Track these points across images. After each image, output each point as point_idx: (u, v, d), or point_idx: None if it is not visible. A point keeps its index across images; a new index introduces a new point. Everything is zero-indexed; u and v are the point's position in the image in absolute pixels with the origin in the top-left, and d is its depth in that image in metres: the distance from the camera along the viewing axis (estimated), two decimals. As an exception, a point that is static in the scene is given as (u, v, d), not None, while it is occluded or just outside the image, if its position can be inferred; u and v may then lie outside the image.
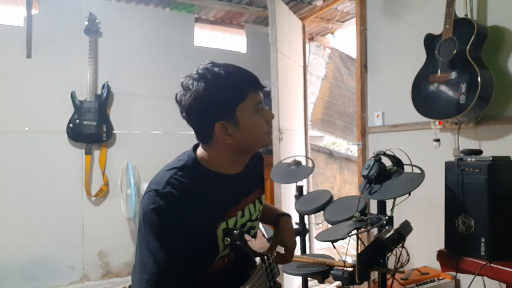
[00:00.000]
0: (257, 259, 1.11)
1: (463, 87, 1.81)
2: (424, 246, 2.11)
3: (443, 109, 1.91)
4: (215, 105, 0.96)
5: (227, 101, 0.96)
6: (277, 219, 1.22)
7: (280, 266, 1.32)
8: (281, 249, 1.19)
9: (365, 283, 2.17)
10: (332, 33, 4.16)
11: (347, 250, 1.83)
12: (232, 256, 1.03)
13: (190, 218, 0.92)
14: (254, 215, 1.12)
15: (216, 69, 0.98)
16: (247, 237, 1.07)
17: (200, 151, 1.04)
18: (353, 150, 5.90)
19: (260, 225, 1.32)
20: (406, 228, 1.25)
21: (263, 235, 1.27)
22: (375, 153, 1.47)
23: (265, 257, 1.14)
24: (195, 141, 1.06)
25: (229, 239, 0.97)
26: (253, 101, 0.98)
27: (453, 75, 1.87)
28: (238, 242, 0.99)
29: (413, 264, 2.10)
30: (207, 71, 0.98)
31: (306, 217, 1.97)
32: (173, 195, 0.91)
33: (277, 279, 1.22)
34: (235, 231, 0.99)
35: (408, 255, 1.31)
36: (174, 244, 0.90)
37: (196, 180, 0.97)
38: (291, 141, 3.12)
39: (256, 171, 1.18)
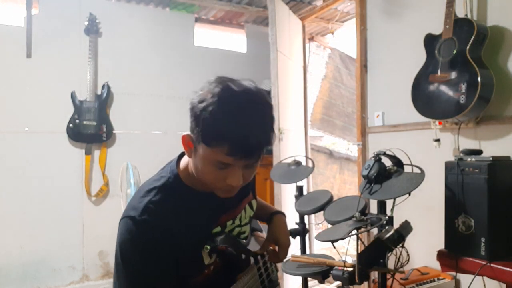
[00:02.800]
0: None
1: (463, 87, 1.81)
2: (424, 246, 2.11)
3: (443, 109, 1.91)
4: (195, 118, 0.84)
5: (202, 130, 0.81)
6: (270, 217, 1.20)
7: (279, 264, 1.32)
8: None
9: (365, 283, 2.17)
10: (332, 33, 4.16)
11: (347, 250, 1.83)
12: (218, 262, 0.99)
13: (170, 244, 0.87)
14: (243, 221, 1.08)
15: (233, 99, 0.82)
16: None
17: (183, 162, 0.97)
18: (353, 150, 5.90)
19: (261, 225, 1.31)
20: (406, 228, 1.24)
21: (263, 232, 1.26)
22: (375, 153, 1.46)
23: (258, 257, 1.13)
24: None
25: (208, 247, 0.93)
26: (216, 157, 0.82)
27: (453, 75, 1.87)
28: (220, 248, 0.96)
29: (413, 264, 2.10)
30: (224, 89, 0.82)
31: (306, 217, 1.97)
32: (150, 224, 0.86)
33: (277, 277, 1.21)
34: (217, 238, 0.96)
35: (408, 255, 1.31)
36: (153, 272, 0.86)
37: (176, 202, 0.92)
38: (291, 141, 3.12)
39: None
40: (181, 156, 1.01)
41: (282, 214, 1.23)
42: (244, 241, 1.10)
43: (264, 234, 1.26)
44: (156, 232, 0.86)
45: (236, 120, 0.80)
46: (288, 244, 1.16)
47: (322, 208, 1.78)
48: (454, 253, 1.50)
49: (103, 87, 3.15)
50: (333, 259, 1.56)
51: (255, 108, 0.84)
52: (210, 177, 0.87)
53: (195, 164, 0.89)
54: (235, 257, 1.03)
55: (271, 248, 1.16)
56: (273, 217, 1.20)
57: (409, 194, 1.32)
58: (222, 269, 1.00)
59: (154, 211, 0.88)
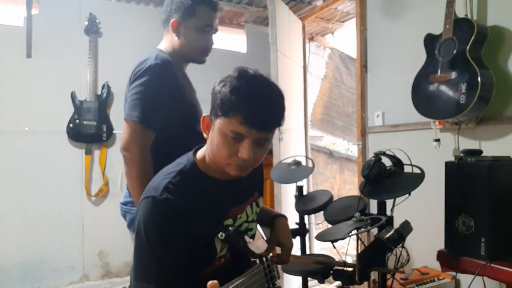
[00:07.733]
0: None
1: (463, 87, 1.81)
2: (424, 246, 2.10)
3: (443, 109, 1.91)
4: (215, 96, 0.96)
5: (221, 102, 0.93)
6: (273, 220, 1.22)
7: (279, 267, 1.32)
8: (278, 250, 1.19)
9: (365, 283, 2.17)
10: (332, 33, 4.16)
11: (347, 250, 1.83)
12: (228, 256, 1.03)
13: (188, 224, 0.92)
14: (250, 216, 1.12)
15: (248, 78, 0.96)
16: (246, 238, 1.07)
17: (200, 152, 1.04)
18: (353, 150, 5.90)
19: (259, 228, 1.31)
20: (406, 228, 1.25)
21: (262, 237, 1.27)
22: (375, 153, 1.46)
23: (263, 258, 1.14)
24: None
25: (224, 234, 0.96)
26: (232, 127, 0.92)
27: (453, 75, 1.87)
28: (233, 238, 0.98)
29: (413, 264, 2.10)
30: (241, 71, 0.98)
31: (306, 217, 1.97)
32: (171, 202, 0.91)
33: (277, 281, 1.21)
34: (230, 228, 0.99)
35: (408, 255, 1.31)
36: (176, 251, 0.91)
37: (193, 186, 0.97)
38: (291, 141, 3.11)
39: (254, 177, 1.16)
40: (196, 150, 1.07)
41: (284, 217, 1.24)
42: (252, 240, 1.12)
43: (263, 234, 1.27)
44: (177, 211, 0.92)
45: (251, 93, 0.92)
46: (291, 246, 1.18)
47: (322, 208, 1.78)
48: (454, 253, 1.50)
49: (103, 87, 3.15)
50: (333, 259, 1.56)
51: (267, 87, 0.97)
52: (224, 151, 0.93)
53: (212, 141, 0.96)
54: (243, 253, 1.05)
55: (272, 255, 1.17)
56: (276, 220, 1.21)
57: (409, 194, 1.32)
58: (231, 263, 1.04)
59: (173, 191, 0.93)
